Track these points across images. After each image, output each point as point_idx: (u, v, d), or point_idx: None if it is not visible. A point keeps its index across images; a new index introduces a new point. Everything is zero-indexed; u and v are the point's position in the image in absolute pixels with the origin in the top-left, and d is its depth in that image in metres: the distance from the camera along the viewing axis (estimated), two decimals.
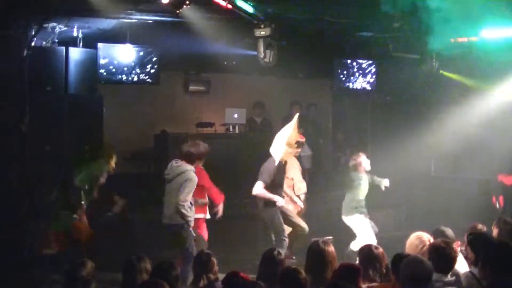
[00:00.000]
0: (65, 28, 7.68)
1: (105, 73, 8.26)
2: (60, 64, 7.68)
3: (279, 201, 6.88)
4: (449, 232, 5.00)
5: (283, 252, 6.63)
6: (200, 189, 6.47)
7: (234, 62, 9.62)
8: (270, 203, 6.84)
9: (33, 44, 7.31)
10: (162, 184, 6.26)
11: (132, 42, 8.30)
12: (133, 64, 8.38)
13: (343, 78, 10.03)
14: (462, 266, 4.47)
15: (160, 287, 3.62)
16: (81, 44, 7.94)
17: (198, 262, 4.54)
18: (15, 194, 6.81)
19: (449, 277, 4.08)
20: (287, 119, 10.02)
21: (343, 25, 8.23)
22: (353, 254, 6.08)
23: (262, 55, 6.97)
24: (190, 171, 6.03)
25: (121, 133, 9.27)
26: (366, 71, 10.18)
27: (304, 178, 7.76)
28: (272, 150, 6.86)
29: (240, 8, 6.91)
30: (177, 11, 6.55)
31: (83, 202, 6.08)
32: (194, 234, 6.10)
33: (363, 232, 6.99)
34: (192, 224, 6.05)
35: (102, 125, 8.10)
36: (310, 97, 10.91)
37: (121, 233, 7.07)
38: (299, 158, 7.66)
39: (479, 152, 8.87)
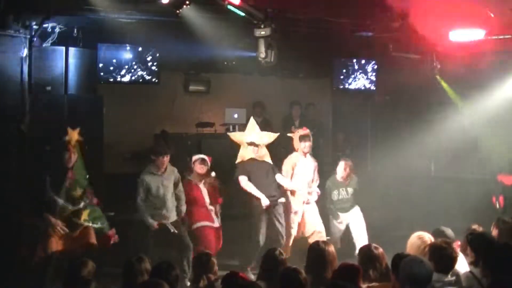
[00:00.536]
0: (65, 28, 7.68)
1: (105, 73, 8.26)
2: (60, 64, 7.67)
3: (263, 200, 6.88)
4: (449, 232, 5.00)
5: (252, 259, 6.74)
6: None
7: (234, 62, 9.62)
8: (253, 200, 6.87)
9: (33, 44, 7.31)
10: None
11: (132, 42, 8.30)
12: (133, 64, 8.39)
13: (343, 78, 10.03)
14: (462, 266, 4.47)
15: (160, 287, 3.62)
16: (81, 44, 7.94)
17: (198, 262, 4.54)
18: (15, 193, 6.79)
19: (449, 277, 4.08)
20: (287, 119, 10.07)
21: (343, 25, 8.23)
22: None
23: (262, 55, 6.97)
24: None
25: (121, 133, 9.28)
26: (366, 71, 10.19)
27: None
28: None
29: (240, 8, 6.91)
30: (177, 11, 6.54)
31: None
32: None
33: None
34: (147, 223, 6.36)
35: (102, 125, 8.10)
36: (310, 97, 10.91)
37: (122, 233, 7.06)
38: None
39: (479, 152, 8.86)
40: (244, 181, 6.97)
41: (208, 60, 9.38)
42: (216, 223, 6.87)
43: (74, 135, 6.12)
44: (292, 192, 7.28)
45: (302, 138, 7.24)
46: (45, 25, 7.37)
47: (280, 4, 7.13)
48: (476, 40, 7.10)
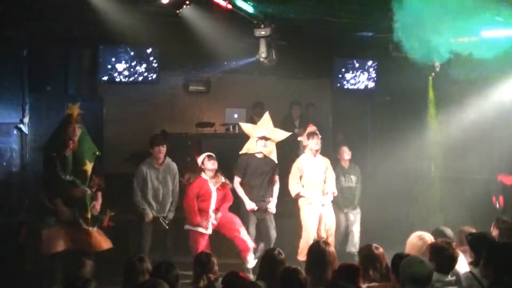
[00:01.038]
0: (65, 28, 7.68)
1: (105, 73, 8.27)
2: (60, 64, 7.68)
3: (247, 203, 6.91)
4: (449, 232, 5.01)
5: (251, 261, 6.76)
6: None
7: (234, 62, 9.62)
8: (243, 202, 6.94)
9: (33, 44, 7.31)
10: None
11: (132, 42, 8.30)
12: (133, 64, 8.39)
13: (343, 78, 10.04)
14: (462, 266, 4.47)
15: (160, 287, 3.62)
16: (81, 44, 7.94)
17: (198, 262, 4.54)
18: (15, 194, 6.80)
19: (450, 277, 4.08)
20: (287, 119, 10.06)
21: (343, 25, 8.23)
22: None
23: (263, 55, 6.97)
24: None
25: (121, 133, 9.28)
26: (366, 71, 10.19)
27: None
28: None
29: (240, 8, 6.90)
30: (177, 11, 6.55)
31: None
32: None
33: None
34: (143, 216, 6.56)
35: (102, 125, 8.10)
36: (310, 97, 10.91)
37: (122, 233, 7.07)
38: None
39: (479, 152, 8.85)
40: (236, 182, 7.02)
41: (208, 60, 9.38)
42: (209, 231, 6.78)
43: (74, 108, 6.06)
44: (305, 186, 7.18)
45: (310, 135, 7.18)
46: (45, 25, 7.38)
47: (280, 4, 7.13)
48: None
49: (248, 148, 7.13)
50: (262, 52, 6.98)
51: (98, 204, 6.21)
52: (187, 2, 6.39)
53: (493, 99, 8.45)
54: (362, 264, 4.26)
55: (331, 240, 7.01)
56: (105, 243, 6.08)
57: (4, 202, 6.73)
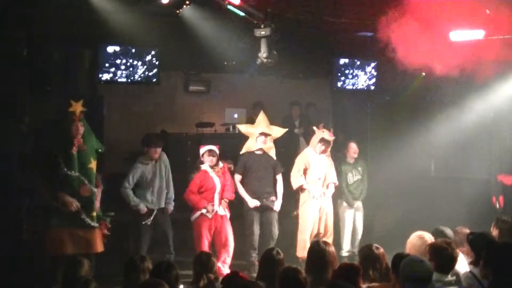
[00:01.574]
0: (65, 28, 7.67)
1: (105, 73, 8.26)
2: (60, 64, 7.67)
3: (249, 202, 6.93)
4: (449, 232, 5.01)
5: (253, 256, 6.76)
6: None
7: (234, 62, 9.62)
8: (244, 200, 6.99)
9: (33, 44, 7.30)
10: None
11: (132, 42, 8.30)
12: (133, 64, 8.39)
13: (343, 78, 10.03)
14: (462, 266, 4.47)
15: (160, 287, 3.62)
16: (81, 44, 7.94)
17: (198, 261, 4.54)
18: (15, 194, 6.79)
19: (449, 277, 4.08)
20: (287, 119, 10.06)
21: (343, 25, 8.23)
22: None
23: (264, 55, 6.97)
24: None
25: (121, 133, 9.28)
26: (366, 71, 10.19)
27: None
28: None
29: (240, 8, 6.91)
30: (177, 11, 6.55)
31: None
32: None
33: None
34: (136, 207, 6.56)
35: (102, 125, 8.09)
36: (310, 97, 10.91)
37: (122, 233, 7.07)
38: None
39: (479, 152, 8.86)
40: (236, 180, 7.08)
41: (208, 60, 9.37)
42: (220, 211, 6.77)
43: (78, 106, 6.07)
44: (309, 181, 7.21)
45: (324, 141, 7.16)
46: (45, 25, 7.37)
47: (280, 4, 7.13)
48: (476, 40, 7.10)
49: (248, 147, 7.18)
50: (264, 52, 6.97)
51: (97, 202, 6.21)
52: (187, 2, 6.40)
53: (493, 99, 8.45)
54: (362, 264, 4.26)
55: (330, 236, 7.03)
56: (100, 246, 6.08)
57: (4, 202, 6.72)
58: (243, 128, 7.39)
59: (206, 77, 10.57)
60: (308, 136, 8.47)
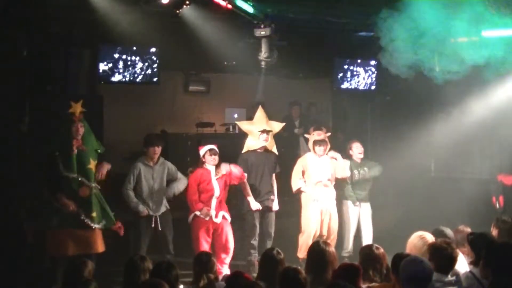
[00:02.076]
0: (65, 28, 7.68)
1: (105, 73, 8.27)
2: (60, 64, 7.67)
3: (252, 204, 6.93)
4: (449, 232, 5.00)
5: (253, 256, 6.74)
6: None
7: (234, 62, 9.62)
8: (245, 201, 6.96)
9: (33, 44, 7.30)
10: None
11: (132, 42, 8.31)
12: (133, 64, 8.40)
13: (343, 78, 10.04)
14: (462, 266, 4.47)
15: (160, 287, 3.62)
16: (81, 44, 7.94)
17: (198, 262, 4.54)
18: (15, 194, 6.80)
19: (449, 277, 4.08)
20: (287, 119, 10.06)
21: (343, 25, 8.23)
22: None
23: (265, 55, 6.98)
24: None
25: (121, 133, 9.28)
26: (366, 71, 10.20)
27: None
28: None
29: (240, 8, 6.91)
30: (177, 11, 6.55)
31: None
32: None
33: None
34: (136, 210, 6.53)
35: (102, 125, 8.10)
36: (310, 97, 10.91)
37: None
38: None
39: (479, 152, 8.86)
40: (245, 179, 7.01)
41: (208, 60, 9.38)
42: (217, 219, 6.68)
43: (77, 107, 6.05)
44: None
45: (317, 143, 7.15)
46: (45, 25, 7.38)
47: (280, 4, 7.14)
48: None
49: (249, 146, 7.14)
50: (265, 52, 6.98)
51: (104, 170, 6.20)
52: (187, 2, 6.41)
53: (493, 99, 8.45)
54: (362, 264, 4.26)
55: (333, 239, 7.02)
56: (101, 246, 6.08)
57: (5, 202, 6.72)
58: (244, 125, 7.35)
59: (206, 77, 10.58)
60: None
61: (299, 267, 4.05)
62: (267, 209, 7.05)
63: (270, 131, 7.12)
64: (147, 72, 8.56)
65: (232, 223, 6.88)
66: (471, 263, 4.54)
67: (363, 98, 10.84)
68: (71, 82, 8.04)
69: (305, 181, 7.17)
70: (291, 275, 3.86)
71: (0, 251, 6.25)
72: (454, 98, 9.00)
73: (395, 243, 5.17)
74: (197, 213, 6.60)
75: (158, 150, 6.72)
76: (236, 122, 7.70)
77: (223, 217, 6.70)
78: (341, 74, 10.03)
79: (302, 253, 6.91)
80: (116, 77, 8.39)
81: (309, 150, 7.34)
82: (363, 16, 7.71)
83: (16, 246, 6.45)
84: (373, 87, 10.21)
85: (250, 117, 9.86)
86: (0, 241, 6.35)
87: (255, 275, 5.10)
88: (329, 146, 7.20)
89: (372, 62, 10.04)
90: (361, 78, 10.16)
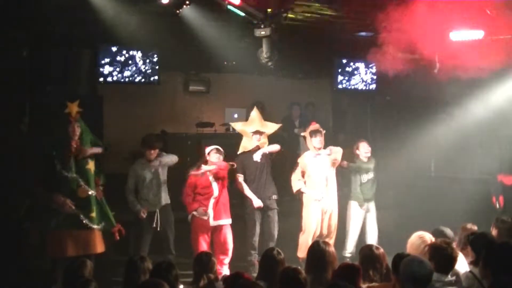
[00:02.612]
0: (65, 28, 7.68)
1: (105, 73, 8.27)
2: (60, 64, 7.67)
3: (254, 201, 6.92)
4: (449, 232, 5.00)
5: (253, 256, 6.74)
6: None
7: (234, 62, 9.62)
8: (246, 200, 6.96)
9: (33, 44, 7.31)
10: None
11: (132, 42, 8.30)
12: (133, 64, 8.40)
13: (343, 78, 10.04)
14: (462, 266, 4.47)
15: (160, 287, 3.62)
16: (81, 44, 7.94)
17: (198, 262, 4.54)
18: (15, 194, 6.80)
19: (449, 277, 4.07)
20: (287, 119, 10.07)
21: (343, 25, 8.23)
22: None
23: (266, 55, 6.97)
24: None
25: (121, 133, 9.28)
26: (366, 71, 10.19)
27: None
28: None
29: (240, 8, 6.90)
30: (177, 11, 6.55)
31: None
32: None
33: None
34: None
35: (102, 125, 8.10)
36: (310, 97, 10.90)
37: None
38: None
39: (479, 152, 8.85)
40: (240, 179, 7.05)
41: (208, 60, 9.38)
42: (211, 222, 6.70)
43: (73, 107, 6.05)
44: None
45: (312, 133, 7.17)
46: (45, 25, 7.37)
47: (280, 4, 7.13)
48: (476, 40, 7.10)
49: (244, 147, 7.16)
50: (266, 52, 6.97)
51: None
52: (187, 2, 6.40)
53: (493, 99, 8.45)
54: (362, 264, 4.26)
55: (332, 239, 7.02)
56: (100, 246, 6.07)
57: (4, 202, 6.72)
58: (238, 126, 7.37)
59: (206, 77, 10.57)
60: None
61: (299, 267, 4.04)
62: (268, 209, 7.05)
63: (263, 132, 7.12)
64: (147, 72, 8.56)
65: (232, 223, 6.89)
66: (471, 263, 4.54)
67: (363, 98, 10.83)
68: (71, 82, 8.04)
69: (305, 182, 7.17)
70: (291, 275, 3.86)
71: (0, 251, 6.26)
72: (454, 98, 9.01)
73: (395, 243, 5.17)
74: (194, 213, 6.64)
75: (154, 152, 6.77)
76: (230, 123, 7.70)
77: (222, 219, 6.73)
78: (341, 74, 10.03)
79: (302, 252, 6.92)
80: (116, 77, 8.39)
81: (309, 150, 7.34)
82: (363, 16, 7.70)
83: (16, 246, 6.45)
84: (373, 87, 10.20)
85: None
86: (0, 241, 6.36)
87: (255, 275, 5.10)
88: (323, 138, 7.18)
89: (372, 62, 10.03)
90: (361, 78, 10.16)
